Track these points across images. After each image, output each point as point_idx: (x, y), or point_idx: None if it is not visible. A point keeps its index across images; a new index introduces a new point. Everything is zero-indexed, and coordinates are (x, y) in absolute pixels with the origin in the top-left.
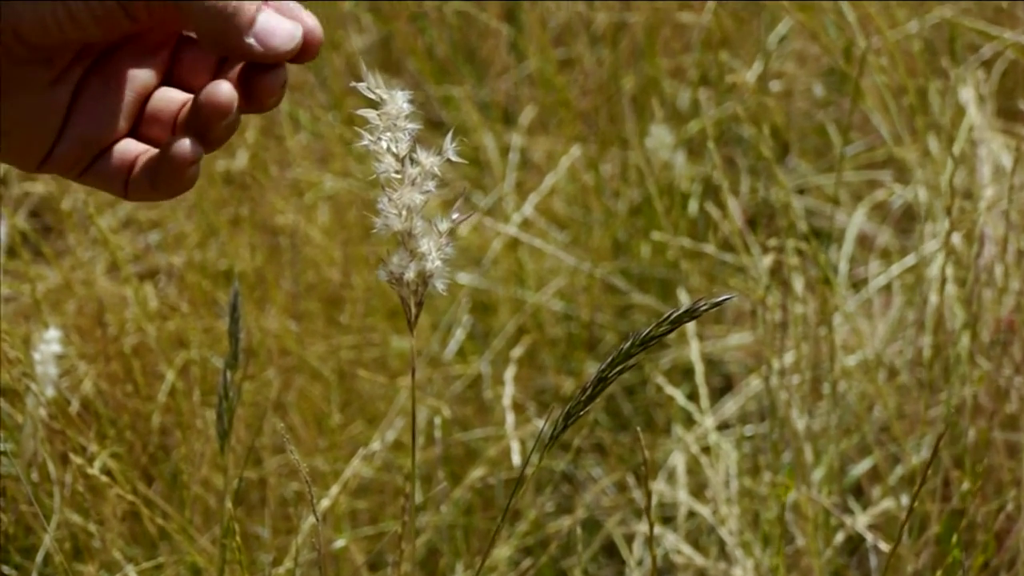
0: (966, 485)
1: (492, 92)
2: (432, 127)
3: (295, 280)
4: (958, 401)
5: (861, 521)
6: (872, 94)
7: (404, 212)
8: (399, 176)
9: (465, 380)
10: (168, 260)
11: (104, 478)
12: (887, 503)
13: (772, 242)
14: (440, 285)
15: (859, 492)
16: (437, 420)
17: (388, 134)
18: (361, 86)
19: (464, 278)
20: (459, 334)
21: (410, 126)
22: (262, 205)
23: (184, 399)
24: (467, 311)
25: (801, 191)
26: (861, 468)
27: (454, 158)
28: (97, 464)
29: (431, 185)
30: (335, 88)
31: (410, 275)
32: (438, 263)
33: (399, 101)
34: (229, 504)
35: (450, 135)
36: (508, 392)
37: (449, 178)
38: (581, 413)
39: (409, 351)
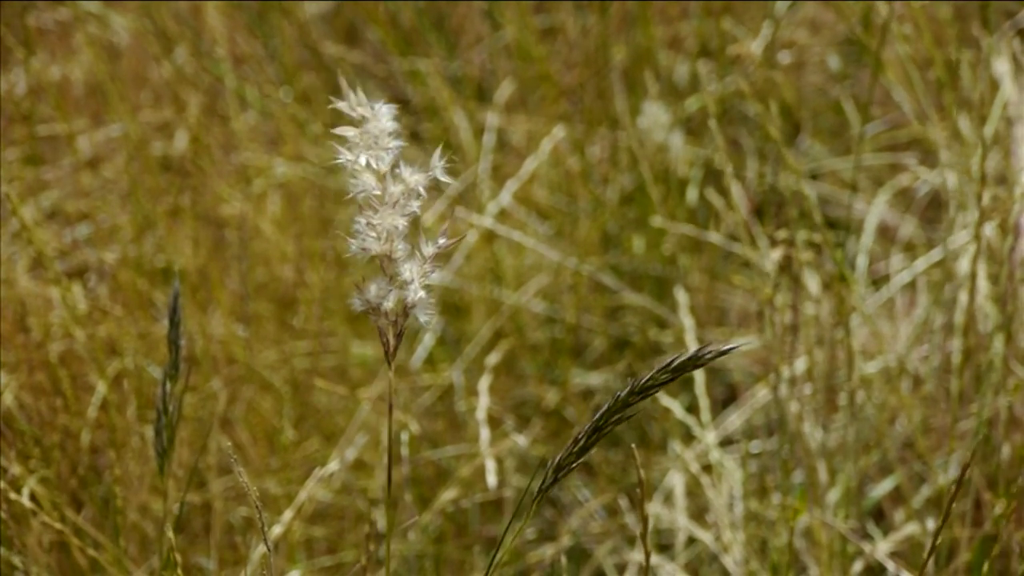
0: (999, 508)
1: (464, 65)
2: (397, 105)
3: (243, 279)
4: (991, 413)
5: (882, 548)
6: (894, 66)
7: (384, 235)
8: (379, 195)
9: (435, 391)
10: (99, 256)
11: (28, 504)
12: (911, 528)
13: (782, 234)
14: (423, 317)
15: (879, 516)
16: (404, 436)
17: (369, 152)
18: (342, 105)
19: (433, 276)
20: (428, 339)
21: (394, 144)
22: (205, 194)
23: (118, 414)
24: (437, 313)
25: (814, 176)
26: (882, 489)
27: (443, 177)
28: (24, 491)
29: (415, 205)
30: (286, 60)
31: (389, 305)
32: (422, 293)
33: (383, 119)
34: (169, 532)
35: (439, 150)
36: (483, 404)
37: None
38: (573, 466)
39: (387, 388)
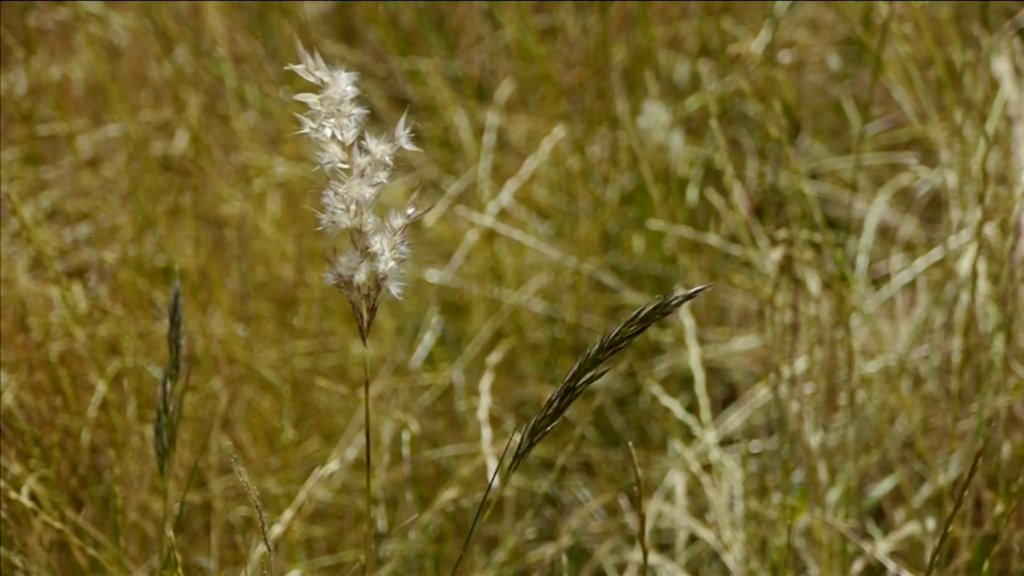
0: (1000, 507)
1: (464, 65)
2: (397, 105)
3: (243, 278)
4: (991, 413)
5: (882, 548)
6: (895, 66)
7: (353, 207)
8: (346, 167)
9: (435, 391)
10: (99, 256)
11: (29, 503)
12: (911, 527)
13: (782, 233)
14: (395, 289)
15: (880, 515)
16: (404, 436)
17: (332, 120)
18: (299, 68)
19: (433, 275)
20: (428, 339)
21: (356, 111)
22: (205, 194)
23: (118, 413)
24: (437, 313)
25: (814, 176)
26: (882, 488)
27: (408, 145)
28: (23, 490)
29: (382, 176)
30: (287, 60)
31: (361, 277)
32: (392, 264)
33: (342, 84)
34: (169, 531)
35: (403, 119)
36: (484, 404)
37: (417, 163)
38: (547, 429)
39: (364, 362)
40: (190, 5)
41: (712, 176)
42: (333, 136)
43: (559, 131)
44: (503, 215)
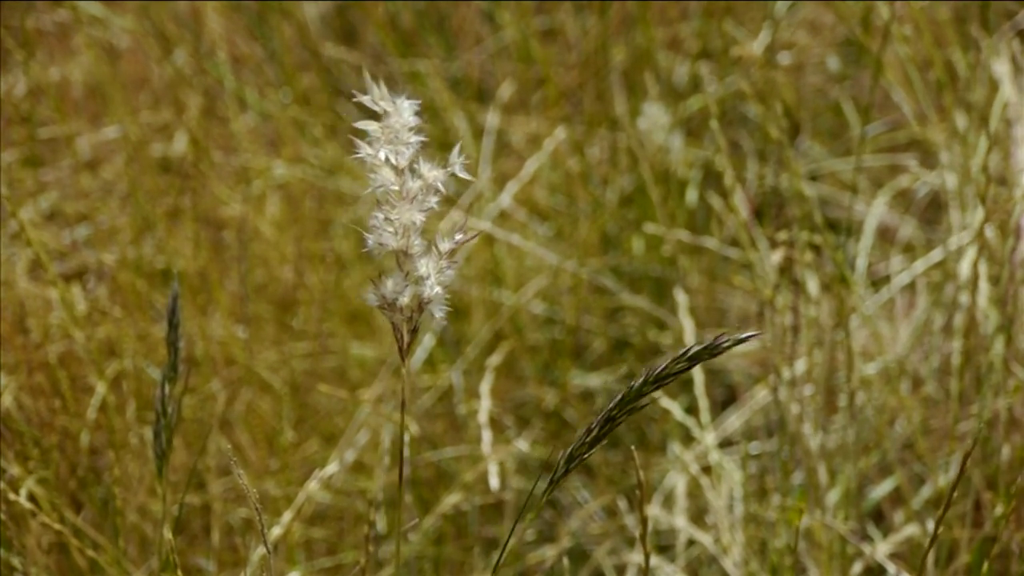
0: (999, 509)
1: (464, 67)
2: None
3: (242, 280)
4: (991, 414)
5: (882, 549)
6: (894, 68)
7: (401, 231)
8: (396, 189)
9: (435, 392)
10: (98, 258)
11: (28, 505)
12: (911, 529)
13: (782, 235)
14: (438, 313)
15: (879, 517)
16: (404, 437)
17: (389, 147)
18: (365, 99)
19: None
20: (428, 340)
21: (414, 139)
22: (204, 195)
23: (117, 415)
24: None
25: (814, 177)
26: (882, 490)
27: (462, 174)
28: (22, 491)
29: (433, 201)
30: (285, 62)
31: (405, 300)
32: (438, 289)
33: (405, 113)
34: (168, 533)
35: (457, 147)
36: (484, 406)
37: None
38: (586, 456)
39: (401, 386)
40: (189, 7)
41: (712, 178)
42: (387, 160)
43: (559, 133)
44: (503, 217)
